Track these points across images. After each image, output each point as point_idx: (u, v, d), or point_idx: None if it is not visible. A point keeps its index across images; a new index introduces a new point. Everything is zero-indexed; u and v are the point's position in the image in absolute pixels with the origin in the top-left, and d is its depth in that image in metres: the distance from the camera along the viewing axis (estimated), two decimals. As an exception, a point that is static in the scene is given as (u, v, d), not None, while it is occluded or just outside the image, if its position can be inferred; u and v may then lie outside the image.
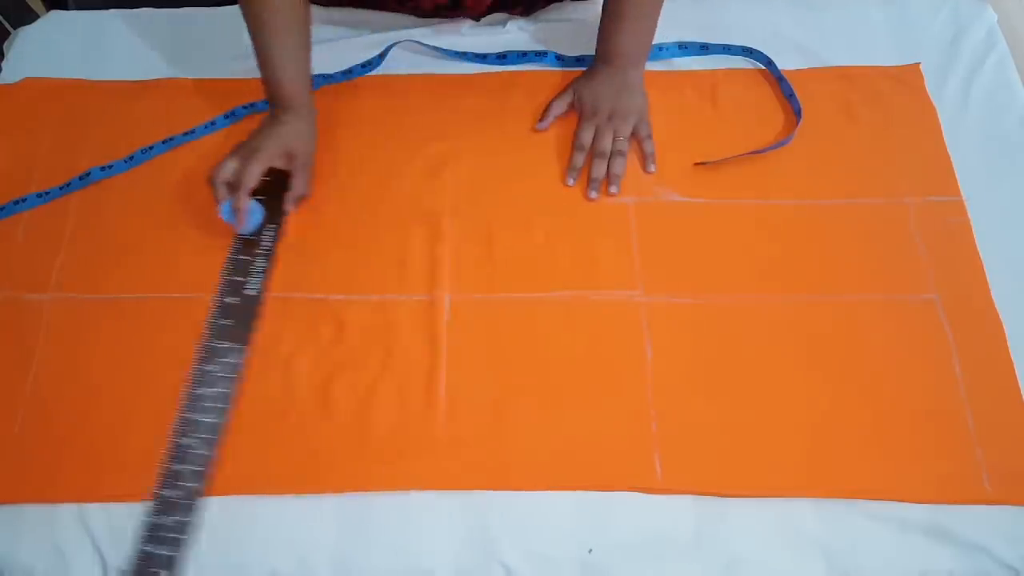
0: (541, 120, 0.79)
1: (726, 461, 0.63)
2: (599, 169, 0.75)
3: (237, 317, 0.68)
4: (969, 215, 0.73)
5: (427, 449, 0.63)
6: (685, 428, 0.64)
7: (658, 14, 0.77)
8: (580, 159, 0.76)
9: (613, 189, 0.75)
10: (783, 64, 0.83)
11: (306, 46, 0.74)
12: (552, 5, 0.90)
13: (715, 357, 0.67)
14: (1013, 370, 0.66)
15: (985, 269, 0.70)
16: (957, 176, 0.76)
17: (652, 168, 0.76)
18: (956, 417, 0.64)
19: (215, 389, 0.65)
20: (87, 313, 0.70)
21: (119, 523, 0.61)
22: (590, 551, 0.60)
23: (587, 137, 0.77)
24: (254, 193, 0.70)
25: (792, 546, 0.60)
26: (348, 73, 0.83)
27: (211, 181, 0.70)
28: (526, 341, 0.68)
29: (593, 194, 0.75)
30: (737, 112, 0.80)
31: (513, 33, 0.87)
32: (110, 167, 0.78)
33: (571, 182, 0.76)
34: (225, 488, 0.62)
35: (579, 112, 0.79)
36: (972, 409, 0.64)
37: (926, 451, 0.63)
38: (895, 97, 0.81)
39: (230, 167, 0.70)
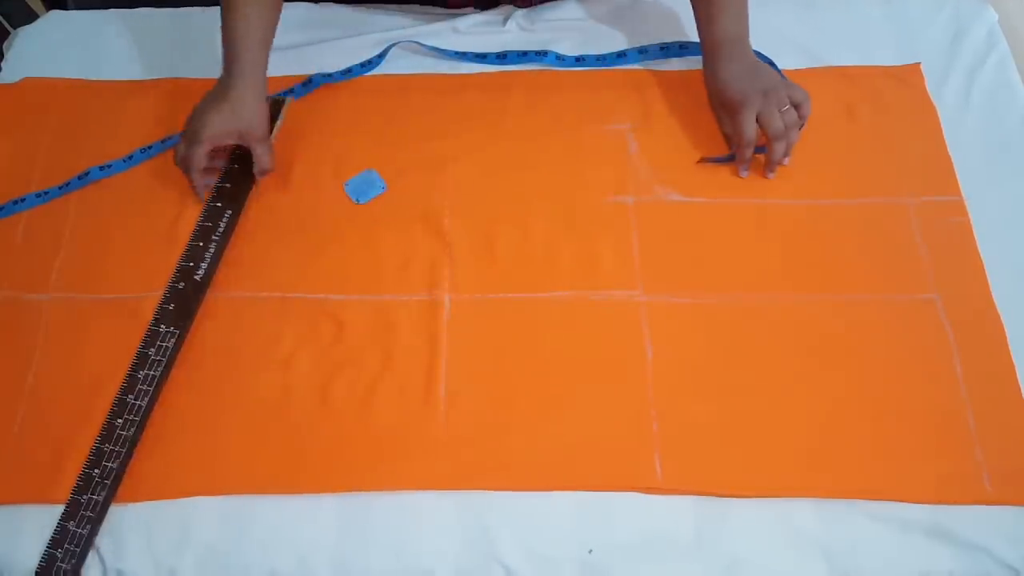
0: (739, 155, 0.75)
1: (727, 461, 0.63)
2: (780, 151, 0.74)
3: (180, 302, 0.69)
4: (969, 215, 0.73)
5: (427, 449, 0.63)
6: (685, 428, 0.64)
7: None
8: (749, 152, 0.74)
9: (786, 160, 0.74)
10: (783, 64, 0.82)
11: (271, 21, 0.75)
12: (552, 2, 0.89)
13: (715, 357, 0.67)
14: (1014, 370, 0.66)
15: (985, 269, 0.70)
16: (957, 176, 0.76)
17: (803, 124, 0.74)
18: (957, 417, 0.64)
19: (150, 372, 0.65)
20: (87, 313, 0.70)
21: (119, 523, 0.61)
22: (590, 551, 0.60)
23: (751, 126, 0.73)
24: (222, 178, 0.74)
25: (792, 546, 0.60)
26: (348, 73, 0.83)
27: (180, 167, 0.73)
28: (526, 341, 0.68)
29: (771, 175, 0.75)
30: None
31: (513, 33, 0.87)
32: (109, 167, 0.78)
33: (745, 174, 0.75)
34: (225, 488, 0.62)
35: (730, 105, 0.75)
36: (973, 409, 0.64)
37: (927, 451, 0.63)
38: (895, 97, 0.81)
39: (179, 152, 0.72)
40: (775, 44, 0.83)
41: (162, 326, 0.67)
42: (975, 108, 0.80)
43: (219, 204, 0.74)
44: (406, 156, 0.78)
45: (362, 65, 0.83)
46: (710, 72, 0.78)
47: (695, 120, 0.80)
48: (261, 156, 0.73)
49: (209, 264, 0.70)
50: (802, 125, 0.75)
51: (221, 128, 0.71)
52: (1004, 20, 0.86)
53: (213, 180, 0.75)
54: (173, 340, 0.67)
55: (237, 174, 0.75)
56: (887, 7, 0.88)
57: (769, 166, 0.75)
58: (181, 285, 0.69)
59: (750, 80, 0.75)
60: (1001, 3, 0.88)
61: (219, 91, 0.73)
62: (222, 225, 0.72)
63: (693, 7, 0.78)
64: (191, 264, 0.70)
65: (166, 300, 0.69)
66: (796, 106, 0.74)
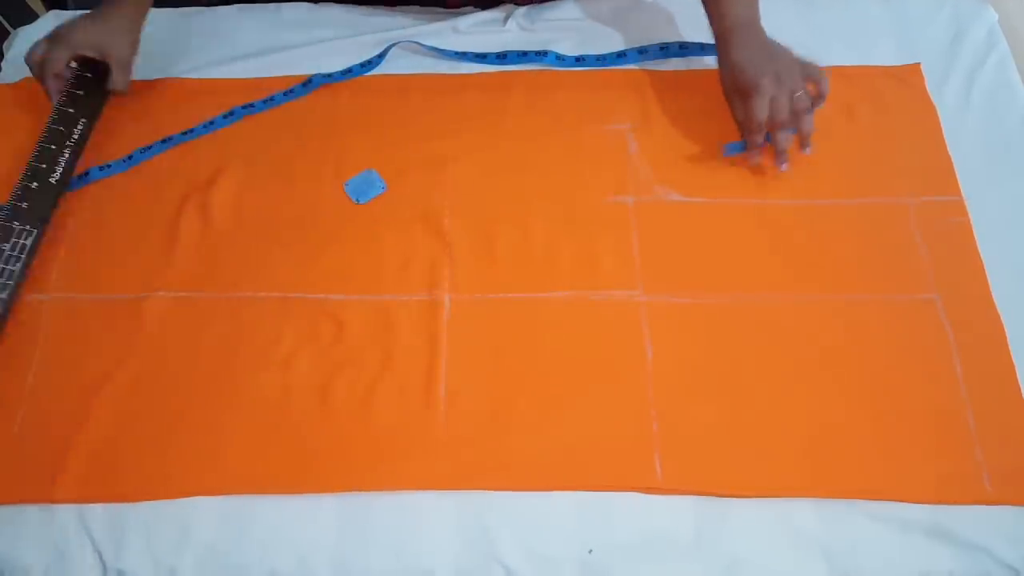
0: (749, 141, 0.74)
1: (726, 461, 0.63)
2: (785, 140, 0.72)
3: (34, 201, 0.72)
4: (969, 215, 0.73)
5: (427, 449, 0.63)
6: (685, 428, 0.64)
7: None
8: (760, 138, 0.73)
9: (807, 151, 0.73)
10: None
11: None
12: (552, 2, 0.89)
13: (715, 357, 0.67)
14: (1014, 370, 0.66)
15: (985, 269, 0.70)
16: (957, 176, 0.76)
17: (821, 103, 0.73)
18: (957, 417, 0.64)
19: (7, 267, 0.69)
20: (87, 313, 0.70)
21: (119, 523, 0.61)
22: (590, 551, 0.60)
23: (763, 112, 0.72)
24: (71, 87, 0.77)
25: (792, 546, 0.60)
26: (348, 72, 0.83)
27: (28, 64, 0.76)
28: (526, 341, 0.68)
29: (783, 167, 0.73)
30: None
31: (513, 32, 0.87)
32: (109, 167, 0.78)
33: (756, 161, 0.74)
34: (225, 488, 0.62)
35: (743, 90, 0.74)
36: (973, 409, 0.64)
37: (927, 451, 0.63)
38: (895, 97, 0.81)
39: (39, 48, 0.74)
40: (775, 44, 0.83)
41: (16, 223, 0.70)
42: (975, 108, 0.80)
43: (71, 110, 0.77)
44: (406, 156, 0.78)
45: (362, 65, 0.83)
46: (723, 59, 0.77)
47: (695, 120, 0.80)
48: (117, 77, 0.77)
49: (64, 168, 0.74)
50: (819, 104, 0.73)
51: (85, 39, 0.75)
52: (1004, 20, 0.86)
53: (62, 88, 0.78)
54: (30, 239, 0.70)
55: (91, 83, 0.79)
56: (887, 7, 0.88)
57: (777, 157, 0.74)
58: (34, 185, 0.73)
59: (762, 64, 0.73)
60: (1001, 3, 0.88)
61: (98, 8, 0.77)
62: (76, 133, 0.76)
63: None
64: (43, 166, 0.74)
65: (18, 199, 0.72)
66: (814, 83, 0.73)
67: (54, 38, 0.76)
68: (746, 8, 0.76)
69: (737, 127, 0.77)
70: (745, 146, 0.75)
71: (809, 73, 0.73)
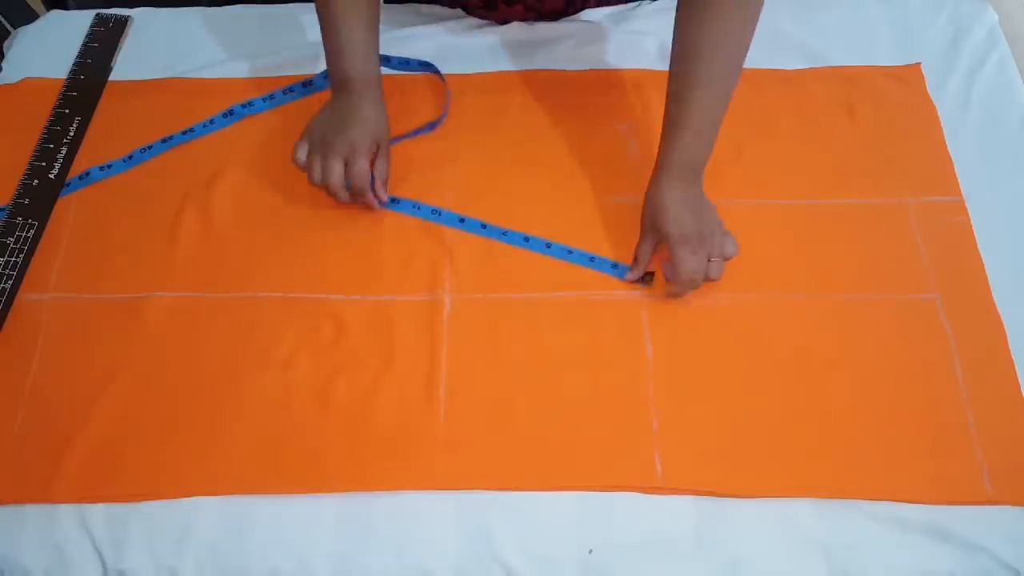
0: (632, 272, 0.71)
1: (727, 461, 0.63)
2: (682, 293, 0.69)
3: (35, 197, 0.76)
4: (970, 215, 0.73)
5: (427, 449, 0.63)
6: (685, 428, 0.64)
7: (720, 120, 0.69)
8: (646, 277, 0.71)
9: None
10: (783, 64, 0.83)
11: (376, 31, 0.74)
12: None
13: (715, 357, 0.67)
14: (1014, 370, 0.66)
15: (985, 269, 0.70)
16: (958, 176, 0.76)
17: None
18: (957, 417, 0.64)
19: (11, 259, 0.72)
20: (87, 313, 0.70)
21: (119, 523, 0.61)
22: (590, 551, 0.60)
23: (676, 275, 0.68)
24: (65, 89, 0.81)
25: (792, 546, 0.60)
26: (327, 77, 0.83)
27: (329, 190, 0.71)
28: (526, 341, 0.68)
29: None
30: (738, 111, 0.80)
31: (513, 32, 0.86)
32: (109, 167, 0.78)
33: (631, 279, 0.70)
34: (225, 488, 0.62)
35: (664, 234, 0.68)
36: (973, 409, 0.64)
37: (927, 451, 0.63)
38: (896, 97, 0.81)
39: (337, 171, 0.70)
40: (775, 44, 0.84)
41: (19, 218, 0.74)
42: (975, 108, 0.80)
43: (67, 111, 0.81)
44: (406, 156, 0.78)
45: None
46: (654, 188, 0.70)
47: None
48: (383, 166, 0.74)
49: (62, 164, 0.78)
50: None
51: (368, 142, 0.71)
52: (1004, 20, 0.86)
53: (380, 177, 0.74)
54: (32, 231, 0.73)
55: (81, 85, 0.83)
56: (887, 7, 0.88)
57: (669, 295, 0.70)
58: (35, 183, 0.76)
59: (691, 216, 0.68)
60: (1001, 3, 0.88)
61: (346, 109, 0.72)
62: (72, 131, 0.80)
63: (664, 121, 0.70)
64: (43, 164, 0.77)
65: (20, 196, 0.76)
66: (727, 256, 0.69)
67: (341, 154, 0.70)
68: (696, 150, 0.69)
69: (635, 251, 0.72)
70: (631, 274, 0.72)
71: (724, 244, 0.69)
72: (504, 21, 0.87)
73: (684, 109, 0.68)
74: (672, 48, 0.68)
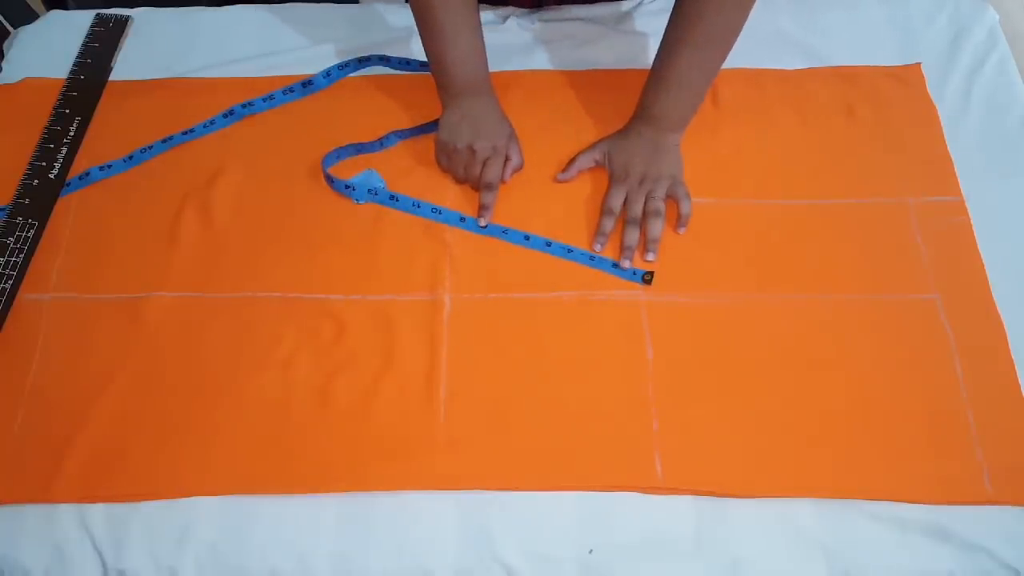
0: (564, 172, 0.75)
1: (727, 461, 0.63)
2: (631, 236, 0.71)
3: (35, 197, 0.76)
4: (970, 215, 0.73)
5: (427, 449, 0.63)
6: (686, 428, 0.64)
7: (707, 86, 0.72)
8: (609, 223, 0.72)
9: (650, 256, 0.70)
10: (784, 64, 0.83)
11: (480, 32, 0.75)
12: (552, 4, 0.89)
13: (716, 357, 0.67)
14: (1014, 370, 0.66)
15: (985, 269, 0.70)
16: (958, 176, 0.76)
17: (682, 230, 0.72)
18: (957, 417, 0.64)
19: (12, 259, 0.72)
20: (87, 313, 0.70)
21: (119, 523, 0.61)
22: (590, 551, 0.60)
23: (617, 201, 0.72)
24: (65, 89, 0.82)
25: (792, 546, 0.60)
26: (346, 71, 0.83)
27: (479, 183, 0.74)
28: (526, 341, 0.68)
29: (626, 263, 0.70)
30: (738, 111, 0.80)
31: (513, 32, 0.87)
32: (109, 167, 0.78)
33: (598, 248, 0.71)
34: (225, 488, 0.62)
35: (609, 173, 0.74)
36: (973, 409, 0.64)
37: (927, 451, 0.63)
38: (896, 97, 0.81)
39: (495, 172, 0.73)
40: (775, 44, 0.84)
41: (19, 218, 0.74)
42: (975, 108, 0.80)
43: (67, 111, 0.81)
44: (406, 156, 0.78)
45: (359, 61, 0.83)
46: (622, 134, 0.75)
47: (695, 121, 0.79)
48: (517, 155, 0.76)
49: (62, 164, 0.78)
50: (680, 228, 0.72)
51: (501, 140, 0.74)
52: (1004, 20, 0.86)
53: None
54: (32, 231, 0.73)
55: (81, 85, 0.83)
56: (887, 7, 0.88)
57: (622, 251, 0.71)
58: (35, 182, 0.76)
59: (642, 161, 0.72)
60: (1001, 3, 0.88)
61: (473, 115, 0.75)
62: (72, 131, 0.80)
63: (649, 74, 0.74)
64: (43, 164, 0.77)
65: (20, 196, 0.76)
66: (676, 202, 0.71)
67: (477, 154, 0.74)
68: (678, 110, 0.73)
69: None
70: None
71: (674, 189, 0.72)
72: (505, 2, 0.88)
73: (670, 65, 0.70)
74: (672, 11, 0.69)
